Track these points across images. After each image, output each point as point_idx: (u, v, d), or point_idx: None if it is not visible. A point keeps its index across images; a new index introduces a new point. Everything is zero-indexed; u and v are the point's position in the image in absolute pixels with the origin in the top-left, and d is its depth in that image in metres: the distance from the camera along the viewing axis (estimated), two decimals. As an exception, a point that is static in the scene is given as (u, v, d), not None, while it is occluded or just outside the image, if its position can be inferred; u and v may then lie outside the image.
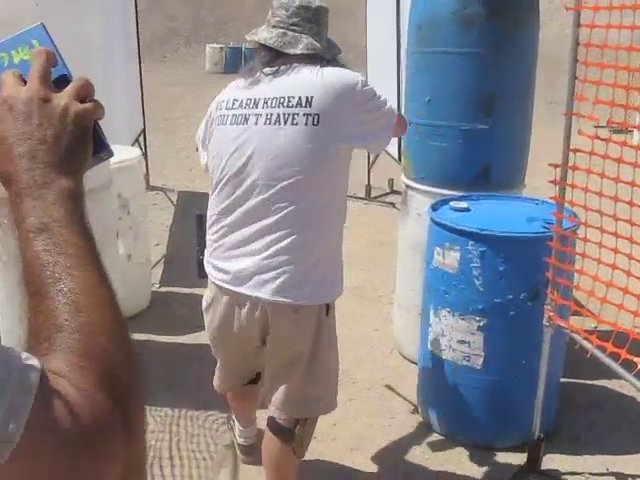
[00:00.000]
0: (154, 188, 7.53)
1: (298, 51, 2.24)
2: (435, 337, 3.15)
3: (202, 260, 2.47)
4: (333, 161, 2.25)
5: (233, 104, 2.31)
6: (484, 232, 2.89)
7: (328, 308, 2.40)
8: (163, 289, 5.01)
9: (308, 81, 2.21)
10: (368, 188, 7.23)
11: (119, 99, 5.84)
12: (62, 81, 0.80)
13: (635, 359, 2.33)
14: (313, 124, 2.15)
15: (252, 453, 2.98)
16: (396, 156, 5.88)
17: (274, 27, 2.28)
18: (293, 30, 2.26)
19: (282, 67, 2.25)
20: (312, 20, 2.29)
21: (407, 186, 3.81)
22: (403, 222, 3.90)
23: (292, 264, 2.23)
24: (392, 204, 7.02)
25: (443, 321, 3.08)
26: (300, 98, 2.17)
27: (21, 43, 0.82)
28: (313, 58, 2.26)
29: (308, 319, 2.33)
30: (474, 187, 3.46)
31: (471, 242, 2.91)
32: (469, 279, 2.95)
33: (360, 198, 7.22)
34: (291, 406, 2.41)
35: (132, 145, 6.23)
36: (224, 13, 23.80)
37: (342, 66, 2.35)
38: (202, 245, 2.49)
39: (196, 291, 4.37)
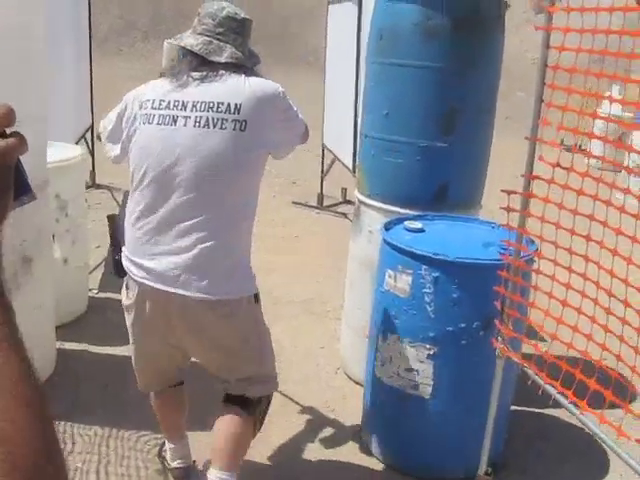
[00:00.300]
0: (100, 186, 7.27)
1: (222, 59, 2.35)
2: (382, 363, 3.00)
3: (119, 260, 2.49)
4: (254, 165, 2.40)
5: (160, 104, 2.35)
6: (438, 257, 2.75)
7: (256, 297, 2.52)
8: (102, 294, 4.76)
9: (236, 89, 2.33)
10: (320, 197, 7.07)
11: (65, 93, 5.58)
12: None
13: (579, 402, 2.22)
14: (240, 129, 2.27)
15: (188, 477, 2.86)
16: (350, 167, 5.74)
17: (200, 34, 2.38)
18: (218, 39, 2.37)
19: (210, 73, 2.35)
20: (237, 31, 2.40)
21: (360, 201, 3.66)
22: (354, 238, 3.74)
23: (218, 262, 2.34)
24: (344, 214, 6.87)
25: (392, 347, 2.93)
26: (229, 105, 2.28)
27: None
28: (236, 66, 2.38)
29: (239, 311, 2.43)
30: (430, 206, 3.32)
31: (424, 266, 2.77)
32: (421, 305, 2.80)
33: (312, 207, 7.06)
34: (242, 388, 2.53)
35: (77, 142, 5.92)
36: (185, 7, 23.40)
37: (260, 76, 2.46)
38: (117, 245, 2.54)
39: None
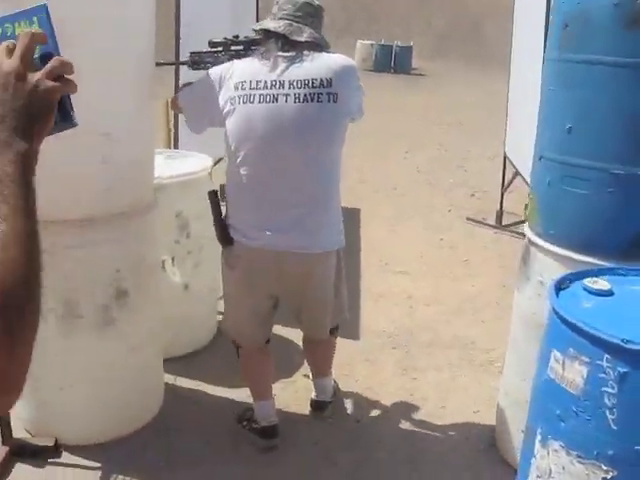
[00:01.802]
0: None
1: (303, 39, 2.57)
2: (539, 474, 2.13)
3: (226, 226, 2.69)
4: (343, 131, 2.67)
5: (257, 85, 2.55)
6: (630, 346, 1.84)
7: (341, 251, 2.84)
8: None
9: (324, 65, 2.57)
10: (499, 214, 6.12)
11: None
12: (48, 57, 0.93)
13: None
14: (333, 101, 2.54)
15: (276, 435, 3.01)
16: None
17: (281, 19, 2.60)
18: (297, 22, 2.59)
19: (297, 53, 2.57)
20: (313, 15, 2.64)
21: (530, 241, 2.78)
22: (520, 287, 2.86)
23: (321, 221, 2.66)
24: (524, 234, 5.88)
25: (552, 457, 2.04)
26: (322, 80, 2.53)
27: (24, 18, 0.95)
28: (314, 45, 2.61)
29: (333, 260, 2.77)
30: (623, 257, 2.38)
31: (607, 356, 1.86)
32: (598, 408, 1.90)
33: (489, 225, 6.13)
34: (333, 321, 3.00)
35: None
36: (377, 10, 22.97)
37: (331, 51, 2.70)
38: (219, 216, 2.72)
39: (278, 330, 3.58)
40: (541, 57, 4.47)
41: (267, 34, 2.62)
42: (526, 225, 2.87)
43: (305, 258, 2.66)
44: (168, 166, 3.68)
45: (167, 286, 3.54)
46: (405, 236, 5.62)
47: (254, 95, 2.55)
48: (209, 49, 2.86)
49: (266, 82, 2.55)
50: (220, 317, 4.13)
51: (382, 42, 19.76)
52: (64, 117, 0.97)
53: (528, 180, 5.12)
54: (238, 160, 2.62)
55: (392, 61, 19.39)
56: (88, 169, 2.69)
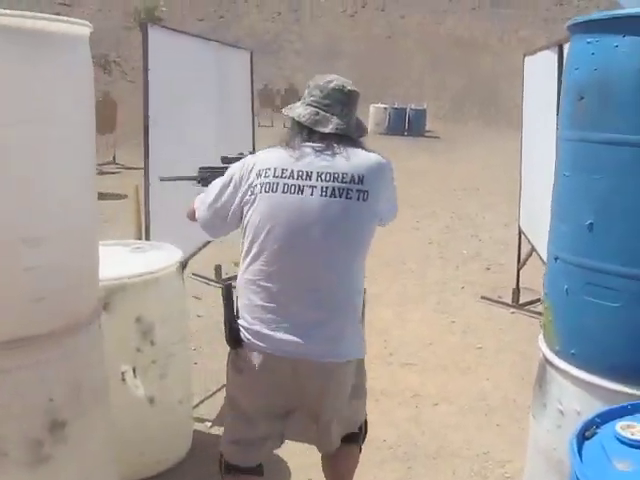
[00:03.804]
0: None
1: (327, 130, 2.35)
2: None
3: (237, 329, 2.36)
4: (371, 233, 2.40)
5: (282, 173, 2.32)
6: None
7: (363, 360, 2.55)
8: (219, 430, 3.65)
9: (357, 161, 2.34)
10: (516, 293, 5.53)
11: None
12: None
13: None
14: (363, 199, 2.30)
15: None
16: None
17: (309, 105, 2.39)
18: (325, 110, 2.37)
19: (327, 145, 2.34)
20: (343, 102, 2.39)
21: (547, 361, 2.21)
22: (537, 414, 2.27)
23: (344, 327, 2.34)
24: (547, 316, 5.29)
25: None
26: (353, 176, 2.30)
27: None
28: (342, 137, 2.36)
29: (352, 370, 2.44)
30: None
31: None
32: None
33: (505, 304, 5.53)
34: (346, 430, 2.55)
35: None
36: (392, 74, 22.83)
37: (365, 147, 2.44)
38: (232, 314, 2.40)
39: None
40: (553, 127, 3.97)
41: (294, 121, 2.41)
42: (541, 337, 2.30)
43: (323, 367, 2.31)
44: (131, 261, 3.19)
45: (128, 401, 3.01)
46: (413, 320, 5.05)
47: (278, 184, 2.31)
48: (221, 165, 2.65)
49: (292, 171, 2.31)
50: (196, 427, 3.59)
51: (396, 105, 19.51)
52: None
53: (544, 258, 4.58)
54: (253, 253, 2.34)
55: (406, 124, 19.09)
56: (7, 279, 2.18)
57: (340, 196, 2.27)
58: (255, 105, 6.57)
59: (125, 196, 8.18)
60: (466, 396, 4.06)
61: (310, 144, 2.34)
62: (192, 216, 2.61)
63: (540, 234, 4.61)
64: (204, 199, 2.50)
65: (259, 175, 2.34)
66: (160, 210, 3.78)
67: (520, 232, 5.41)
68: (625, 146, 1.88)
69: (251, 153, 2.55)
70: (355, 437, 2.61)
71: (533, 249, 4.88)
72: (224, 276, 6.10)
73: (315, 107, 2.37)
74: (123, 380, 3.01)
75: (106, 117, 13.14)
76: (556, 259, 2.11)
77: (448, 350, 4.69)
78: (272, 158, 2.37)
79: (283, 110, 2.50)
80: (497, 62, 26.64)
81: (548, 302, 2.17)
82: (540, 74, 4.44)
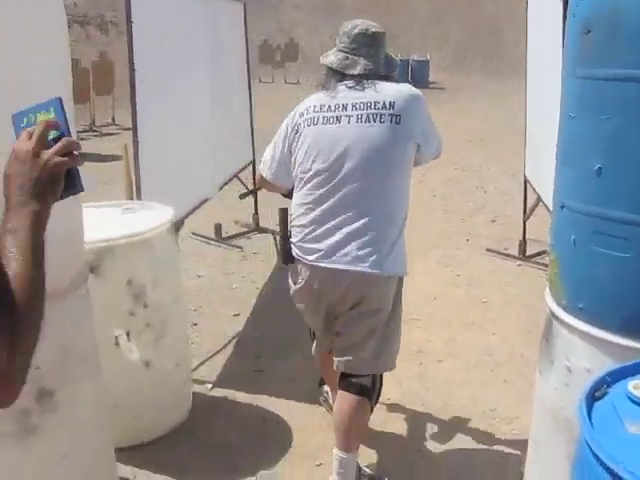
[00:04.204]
0: (263, 230, 6.17)
1: (356, 72, 2.60)
2: None
3: (289, 249, 2.64)
4: (407, 155, 2.59)
5: (321, 108, 2.61)
6: None
7: (402, 279, 2.71)
8: (220, 390, 3.56)
9: (388, 90, 2.57)
10: (523, 245, 5.39)
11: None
12: (60, 138, 1.17)
13: None
14: (396, 123, 2.52)
15: None
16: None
17: (339, 51, 2.66)
18: (353, 54, 2.62)
19: (357, 82, 2.60)
20: (368, 44, 2.63)
21: (553, 315, 2.08)
22: (543, 371, 2.15)
23: (383, 241, 2.54)
24: (554, 267, 5.15)
25: None
26: (384, 102, 2.53)
27: (43, 109, 1.20)
28: (372, 75, 2.61)
29: (392, 288, 2.64)
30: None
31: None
32: None
33: (511, 257, 5.39)
34: (367, 365, 2.66)
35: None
36: (395, 25, 22.34)
37: (396, 81, 2.70)
38: (286, 235, 2.70)
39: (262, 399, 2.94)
40: (559, 69, 3.77)
41: (328, 68, 2.68)
42: (547, 291, 2.16)
43: (362, 278, 2.56)
44: (121, 223, 3.06)
45: (123, 366, 2.92)
46: (418, 274, 4.91)
47: (318, 117, 2.60)
48: None
49: (329, 105, 2.60)
50: (196, 390, 3.51)
51: (398, 57, 19.11)
52: (73, 185, 1.19)
53: (548, 205, 4.43)
54: (301, 179, 2.64)
55: (409, 75, 18.73)
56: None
57: (374, 121, 2.51)
58: (255, 61, 6.39)
59: (124, 157, 8.02)
60: (472, 351, 3.96)
61: (343, 83, 2.62)
62: (262, 181, 2.90)
63: (546, 183, 4.45)
64: (265, 159, 2.80)
65: (301, 115, 2.65)
66: (152, 169, 3.64)
67: (525, 181, 5.25)
68: (634, 82, 1.72)
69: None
70: (368, 392, 2.67)
71: (539, 199, 4.73)
72: (224, 235, 5.98)
73: (344, 52, 2.63)
74: (117, 345, 2.92)
75: (103, 78, 12.88)
76: (562, 207, 1.97)
77: (453, 304, 4.57)
78: (311, 100, 2.69)
79: (320, 58, 2.73)
80: (500, 9, 26.05)
81: (554, 254, 2.03)
82: (545, 14, 4.22)
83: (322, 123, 2.59)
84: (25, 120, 1.20)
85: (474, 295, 4.71)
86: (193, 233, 5.75)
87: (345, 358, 2.65)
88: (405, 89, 2.62)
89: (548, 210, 4.48)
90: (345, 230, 2.53)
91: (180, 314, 3.15)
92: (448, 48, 25.03)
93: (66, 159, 1.15)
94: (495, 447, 3.10)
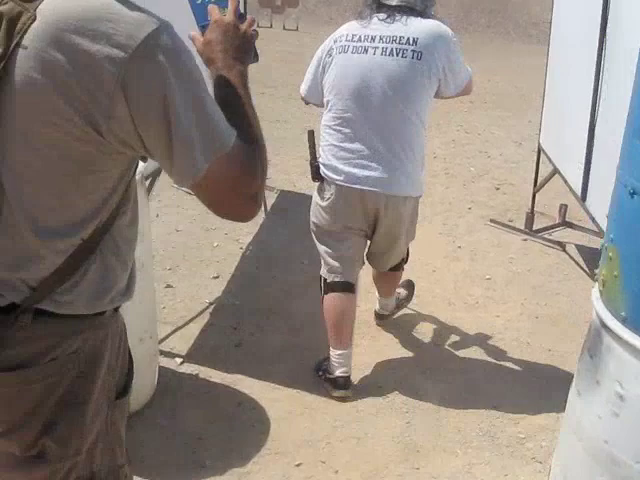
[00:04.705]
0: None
1: (394, 3, 2.79)
2: None
3: (317, 166, 2.89)
4: (426, 88, 2.79)
5: (352, 38, 2.82)
6: None
7: (419, 199, 3.05)
8: (192, 365, 3.14)
9: (415, 26, 2.76)
10: (530, 217, 4.95)
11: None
12: (241, 16, 1.38)
13: None
14: (417, 59, 2.73)
15: (348, 387, 2.96)
16: (579, 191, 3.61)
17: None
18: None
19: (391, 15, 2.79)
20: None
21: (603, 325, 1.65)
22: (584, 391, 1.74)
23: (407, 166, 2.82)
24: (561, 244, 4.72)
25: None
26: (409, 38, 2.73)
27: None
28: (406, 8, 2.79)
29: (411, 206, 2.97)
30: None
31: None
32: None
33: (517, 230, 4.96)
34: (397, 258, 3.19)
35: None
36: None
37: (433, 17, 2.89)
38: (314, 154, 2.92)
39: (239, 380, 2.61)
40: (595, 38, 3.30)
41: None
42: (596, 295, 1.74)
43: (386, 198, 2.84)
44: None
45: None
46: (416, 243, 4.47)
47: (348, 46, 2.82)
48: None
49: (360, 36, 2.80)
50: (165, 364, 3.09)
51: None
52: (255, 54, 1.39)
53: (569, 181, 3.98)
54: (330, 103, 2.87)
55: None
56: None
57: (397, 55, 2.72)
58: (254, 3, 5.81)
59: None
60: (474, 336, 3.56)
61: (376, 14, 2.82)
62: (306, 101, 3.13)
63: (567, 155, 4.01)
64: (305, 78, 3.03)
65: (335, 41, 2.88)
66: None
67: (539, 150, 4.79)
68: None
69: None
70: (397, 266, 3.26)
71: (556, 170, 4.28)
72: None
73: None
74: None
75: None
76: (633, 194, 1.52)
77: (454, 280, 4.16)
78: (345, 29, 2.90)
79: None
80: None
81: (616, 251, 1.60)
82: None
83: (351, 52, 2.80)
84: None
85: (476, 271, 4.29)
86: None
87: (377, 261, 3.18)
88: (432, 26, 2.79)
89: (567, 185, 4.05)
90: (367, 154, 2.78)
91: (148, 282, 2.70)
92: (451, 5, 24.23)
93: (256, 31, 1.38)
94: (497, 453, 2.72)
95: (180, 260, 4.23)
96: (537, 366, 3.31)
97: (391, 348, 3.42)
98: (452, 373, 3.23)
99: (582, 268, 4.41)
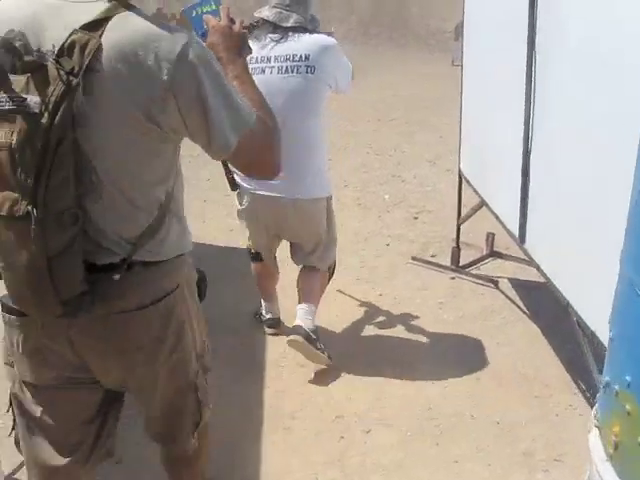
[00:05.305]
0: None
1: (289, 24, 3.06)
2: None
3: (232, 177, 2.77)
4: (321, 97, 3.12)
5: (250, 60, 2.66)
6: None
7: (330, 198, 3.33)
8: None
9: (305, 43, 3.04)
10: (456, 252, 4.41)
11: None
12: (232, 20, 1.70)
13: None
14: (311, 73, 3.01)
15: (278, 326, 3.63)
16: (516, 233, 3.07)
17: (273, 7, 3.07)
18: (287, 10, 3.06)
19: (283, 35, 3.05)
20: (300, 2, 3.09)
21: None
22: None
23: (310, 171, 3.14)
24: (493, 281, 4.19)
25: None
26: (301, 55, 3.01)
27: (205, 3, 1.71)
28: (300, 29, 3.07)
29: (321, 207, 3.26)
30: None
31: None
32: None
33: (444, 267, 4.41)
34: (318, 262, 3.38)
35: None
36: None
37: (319, 32, 3.21)
38: (227, 167, 2.77)
39: None
40: (523, 43, 2.77)
41: (263, 20, 3.08)
42: (597, 451, 1.14)
43: (294, 203, 3.14)
44: None
45: None
46: (332, 294, 3.88)
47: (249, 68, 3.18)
48: None
49: (257, 58, 3.02)
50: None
51: (313, 14, 17.88)
52: (248, 46, 1.73)
53: (502, 219, 3.40)
54: None
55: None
56: None
57: (292, 72, 3.00)
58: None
59: None
60: (407, 415, 2.95)
61: (271, 35, 3.05)
62: None
63: (496, 190, 3.48)
64: None
65: None
66: None
67: (460, 177, 4.26)
68: None
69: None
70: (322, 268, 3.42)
71: (483, 203, 3.74)
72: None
73: (279, 8, 3.05)
74: None
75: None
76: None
77: (377, 341, 3.55)
78: None
79: (255, 13, 3.11)
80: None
81: (636, 403, 0.99)
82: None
83: (252, 73, 3.05)
84: (194, 12, 1.71)
85: (403, 326, 3.70)
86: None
87: (303, 260, 3.39)
88: (320, 40, 3.07)
89: (496, 218, 3.52)
90: None
91: None
92: (352, 20, 24.02)
93: (246, 29, 1.75)
94: None
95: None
96: (486, 448, 2.74)
97: (310, 440, 2.77)
98: (387, 465, 2.62)
99: (519, 307, 3.89)
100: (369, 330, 3.66)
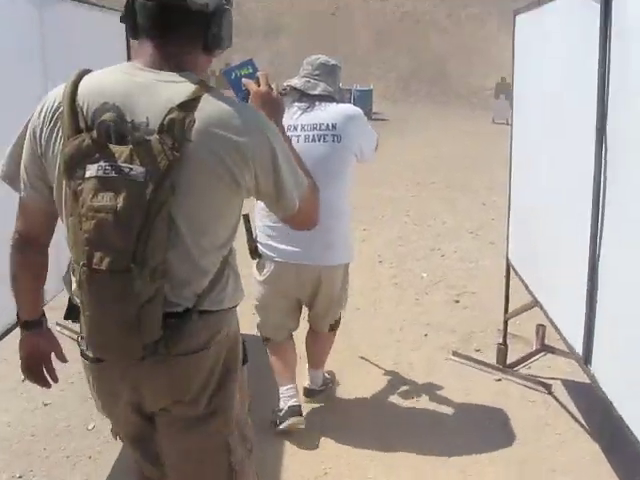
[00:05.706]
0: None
1: (317, 92, 3.15)
2: None
3: (256, 246, 3.09)
4: (348, 165, 3.17)
5: None
6: None
7: (348, 264, 3.35)
8: None
9: (332, 113, 3.11)
10: (503, 351, 3.90)
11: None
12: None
13: None
14: (337, 141, 3.08)
15: (301, 413, 3.25)
16: (579, 349, 2.56)
17: (303, 77, 3.21)
18: (315, 79, 3.18)
19: (311, 104, 3.14)
20: (328, 72, 3.21)
21: None
22: None
23: (336, 238, 3.16)
24: (546, 385, 3.65)
25: None
26: (328, 124, 3.09)
27: (243, 67, 1.77)
28: (327, 97, 3.16)
29: (343, 271, 3.30)
30: None
31: None
32: None
33: (489, 366, 3.89)
34: (334, 317, 3.43)
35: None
36: (334, 52, 21.16)
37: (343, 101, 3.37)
38: (251, 235, 3.05)
39: None
40: (591, 115, 2.32)
41: (292, 88, 3.19)
42: None
43: (319, 270, 3.16)
44: None
45: None
46: (362, 388, 3.40)
47: None
48: None
49: (285, 127, 2.83)
50: None
51: (340, 86, 17.80)
52: (283, 109, 1.81)
53: (561, 330, 2.82)
54: None
55: (352, 102, 17.45)
56: None
57: (319, 140, 3.08)
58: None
59: None
60: None
61: (299, 104, 3.16)
62: None
63: (553, 294, 2.97)
64: None
65: None
66: None
67: (509, 268, 3.78)
68: None
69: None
70: (332, 327, 3.46)
71: (536, 302, 3.24)
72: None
73: (307, 77, 3.19)
74: None
75: None
76: None
77: (414, 459, 3.04)
78: None
79: (285, 82, 3.22)
80: (445, 39, 25.07)
81: None
82: (554, 34, 2.78)
83: None
84: (233, 75, 1.76)
85: (443, 440, 3.18)
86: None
87: (314, 323, 3.42)
88: (346, 110, 3.17)
89: (549, 320, 3.02)
90: (297, 235, 2.90)
91: None
92: (391, 77, 23.92)
93: (281, 93, 1.84)
94: None
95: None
96: None
97: None
98: None
99: (577, 420, 3.35)
100: (405, 443, 3.15)
